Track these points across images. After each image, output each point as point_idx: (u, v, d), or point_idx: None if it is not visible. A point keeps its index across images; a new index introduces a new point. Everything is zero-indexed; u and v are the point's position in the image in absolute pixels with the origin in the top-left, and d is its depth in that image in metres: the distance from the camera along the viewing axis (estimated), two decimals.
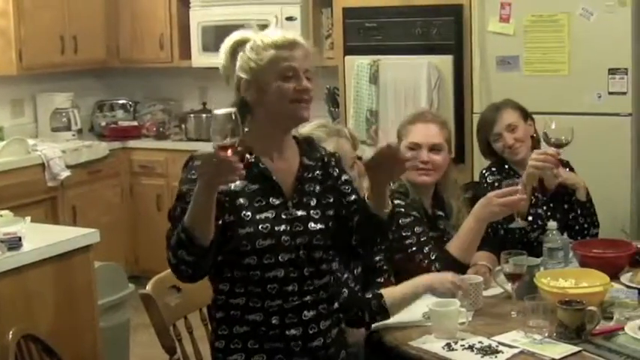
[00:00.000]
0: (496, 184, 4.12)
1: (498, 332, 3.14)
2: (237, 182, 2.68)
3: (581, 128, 4.99)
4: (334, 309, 2.98)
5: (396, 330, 3.23)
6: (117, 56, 7.64)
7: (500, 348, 3.00)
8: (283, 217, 2.87)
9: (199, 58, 7.22)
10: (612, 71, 5.25)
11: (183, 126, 7.49)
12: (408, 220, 3.71)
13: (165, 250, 2.77)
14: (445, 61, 5.90)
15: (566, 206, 4.24)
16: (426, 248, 3.68)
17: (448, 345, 3.05)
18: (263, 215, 2.85)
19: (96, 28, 7.43)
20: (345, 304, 3.13)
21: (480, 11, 5.65)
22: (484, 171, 4.36)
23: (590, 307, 3.03)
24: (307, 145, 3.04)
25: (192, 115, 7.47)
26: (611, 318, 3.17)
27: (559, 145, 3.93)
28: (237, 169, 2.60)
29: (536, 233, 4.08)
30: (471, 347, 3.03)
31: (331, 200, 2.98)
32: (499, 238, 4.00)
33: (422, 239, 3.70)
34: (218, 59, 2.97)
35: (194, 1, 7.18)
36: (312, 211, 2.93)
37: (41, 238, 4.11)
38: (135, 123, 7.71)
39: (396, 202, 3.54)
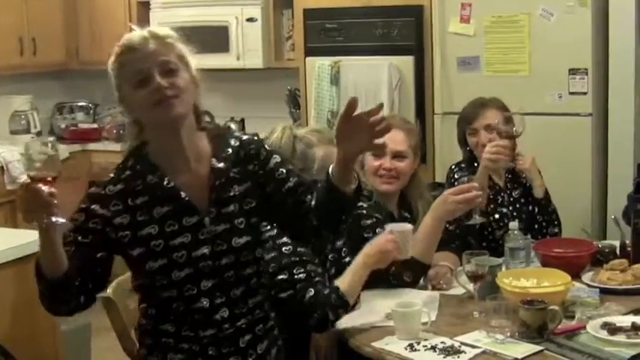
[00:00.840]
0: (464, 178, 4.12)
1: (461, 332, 3.14)
2: (59, 219, 2.40)
3: (542, 128, 5.04)
4: (269, 327, 2.85)
5: (359, 331, 3.22)
6: (76, 58, 7.58)
7: (463, 348, 3.00)
8: (201, 237, 2.63)
9: None
10: (573, 71, 5.27)
11: None
12: (369, 221, 3.70)
13: None
14: (406, 62, 5.91)
15: (530, 207, 4.26)
16: None
17: (411, 345, 3.04)
18: (177, 241, 2.61)
19: (55, 30, 7.37)
20: (309, 305, 3.12)
21: (440, 12, 5.65)
22: (453, 166, 4.38)
23: (551, 307, 3.04)
24: (218, 141, 2.74)
25: None
26: (573, 317, 3.18)
27: (511, 137, 3.95)
28: (50, 205, 2.36)
29: (501, 232, 4.09)
30: (433, 348, 3.02)
31: (253, 205, 2.72)
32: (462, 238, 3.99)
33: None
34: None
35: (154, 3, 7.14)
36: (236, 221, 2.68)
37: (0, 241, 4.07)
38: (95, 125, 7.67)
39: (359, 204, 3.52)
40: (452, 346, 3.02)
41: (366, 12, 6.04)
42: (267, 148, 2.82)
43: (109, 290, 3.23)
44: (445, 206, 3.62)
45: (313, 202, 2.72)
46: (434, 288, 3.65)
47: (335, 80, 6.04)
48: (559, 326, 3.05)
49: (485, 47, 5.54)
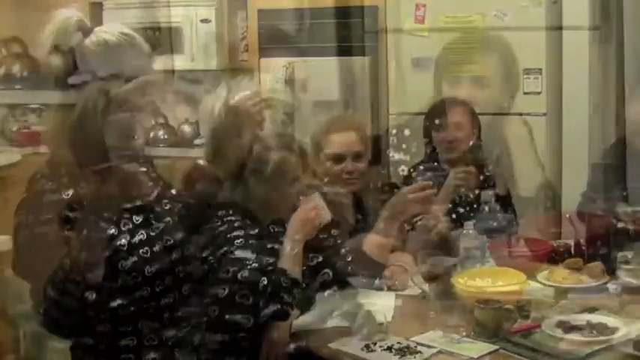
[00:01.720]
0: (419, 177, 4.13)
1: (417, 332, 3.14)
2: None
3: (497, 128, 5.04)
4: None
5: (315, 332, 3.21)
6: None
7: (419, 348, 3.00)
8: None
9: None
10: (527, 71, 5.28)
11: None
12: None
13: None
14: (361, 63, 5.90)
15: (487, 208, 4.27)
16: (343, 250, 3.65)
17: (367, 346, 3.04)
18: None
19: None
20: (266, 294, 3.06)
21: (394, 12, 5.65)
22: (416, 165, 4.38)
23: (507, 306, 3.05)
24: None
25: None
26: (528, 316, 3.19)
27: (479, 164, 4.06)
28: None
29: (457, 232, 4.09)
30: (389, 348, 3.02)
31: None
32: (418, 238, 3.99)
33: (338, 241, 3.67)
34: None
35: (107, 3, 7.08)
36: None
37: None
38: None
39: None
40: (408, 347, 3.02)
41: (321, 13, 6.02)
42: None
43: None
44: (400, 205, 3.61)
45: None
46: (389, 288, 3.64)
47: (289, 81, 6.02)
48: (514, 325, 3.06)
49: (440, 48, 5.54)
